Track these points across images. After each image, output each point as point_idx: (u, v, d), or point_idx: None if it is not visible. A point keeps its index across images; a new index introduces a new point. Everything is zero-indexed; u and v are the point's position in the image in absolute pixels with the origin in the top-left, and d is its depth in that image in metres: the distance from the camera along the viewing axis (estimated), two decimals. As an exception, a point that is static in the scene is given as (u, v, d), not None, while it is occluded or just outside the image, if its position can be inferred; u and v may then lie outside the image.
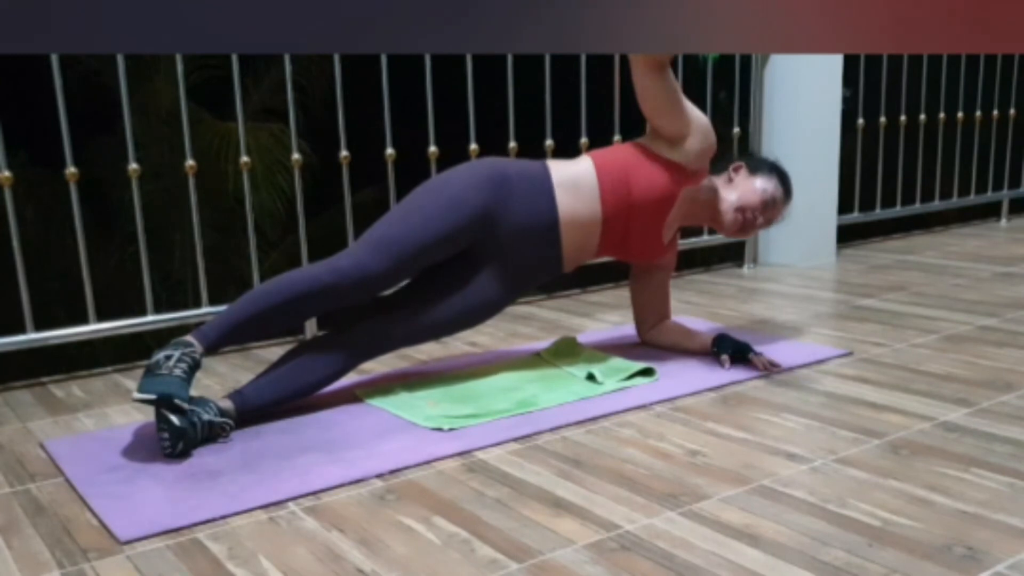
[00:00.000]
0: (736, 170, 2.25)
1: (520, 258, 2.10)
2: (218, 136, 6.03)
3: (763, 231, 3.46)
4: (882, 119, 4.00)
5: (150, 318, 2.44)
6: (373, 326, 2.00)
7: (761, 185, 2.23)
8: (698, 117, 2.15)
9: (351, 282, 1.90)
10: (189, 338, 1.80)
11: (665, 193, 2.14)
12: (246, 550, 1.36)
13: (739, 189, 2.23)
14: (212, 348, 1.83)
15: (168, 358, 1.73)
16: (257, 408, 1.88)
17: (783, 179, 2.29)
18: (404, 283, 2.12)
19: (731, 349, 2.21)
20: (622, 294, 3.08)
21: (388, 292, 2.09)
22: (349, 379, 2.19)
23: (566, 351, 2.30)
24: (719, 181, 2.26)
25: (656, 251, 2.25)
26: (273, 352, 2.46)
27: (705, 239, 3.45)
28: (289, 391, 1.92)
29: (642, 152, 2.16)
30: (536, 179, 2.10)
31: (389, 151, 2.72)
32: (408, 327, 2.03)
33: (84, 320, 2.35)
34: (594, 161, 2.15)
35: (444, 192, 2.02)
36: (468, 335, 2.62)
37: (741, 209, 2.21)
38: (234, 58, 2.47)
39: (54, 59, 2.22)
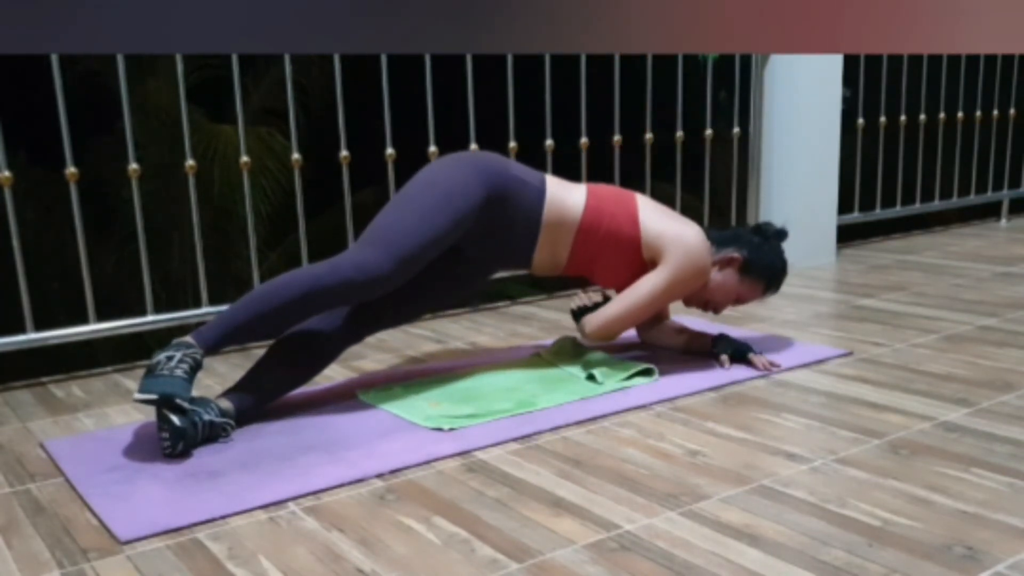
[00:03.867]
0: (729, 262, 2.19)
1: (494, 255, 2.15)
2: (207, 137, 6.02)
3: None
4: (882, 119, 4.00)
5: (150, 318, 2.44)
6: (356, 312, 2.04)
7: (739, 292, 2.22)
8: (688, 267, 2.10)
9: (354, 284, 1.87)
10: (189, 339, 1.80)
11: (628, 281, 2.17)
12: (246, 550, 1.36)
13: (718, 282, 2.20)
14: (212, 349, 1.83)
15: (170, 359, 1.73)
16: (256, 405, 1.88)
17: (772, 282, 2.25)
18: None
19: (731, 349, 2.21)
20: (622, 294, 3.07)
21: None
22: (349, 379, 2.19)
23: (566, 351, 2.30)
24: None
25: (619, 286, 2.25)
26: (273, 352, 2.46)
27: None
28: (287, 384, 1.94)
29: (630, 242, 2.13)
30: (531, 200, 2.09)
31: (389, 151, 2.72)
32: (390, 312, 2.08)
33: (84, 320, 2.35)
34: (586, 207, 2.12)
35: (443, 188, 1.99)
36: (468, 335, 2.62)
37: (708, 302, 2.23)
38: (234, 58, 2.47)
39: (54, 59, 2.22)
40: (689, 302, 2.27)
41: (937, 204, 4.33)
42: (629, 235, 2.12)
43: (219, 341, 1.83)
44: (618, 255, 2.14)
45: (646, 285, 2.11)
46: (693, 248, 2.10)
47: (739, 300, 2.24)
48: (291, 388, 1.97)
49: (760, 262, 2.21)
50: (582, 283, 2.39)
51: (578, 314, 2.26)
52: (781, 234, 2.29)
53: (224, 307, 1.94)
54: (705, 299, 2.23)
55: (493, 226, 2.06)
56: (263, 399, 1.91)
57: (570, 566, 1.29)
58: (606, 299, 2.25)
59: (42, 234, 5.63)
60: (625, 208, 2.14)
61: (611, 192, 2.17)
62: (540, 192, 2.10)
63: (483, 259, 2.15)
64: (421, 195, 1.99)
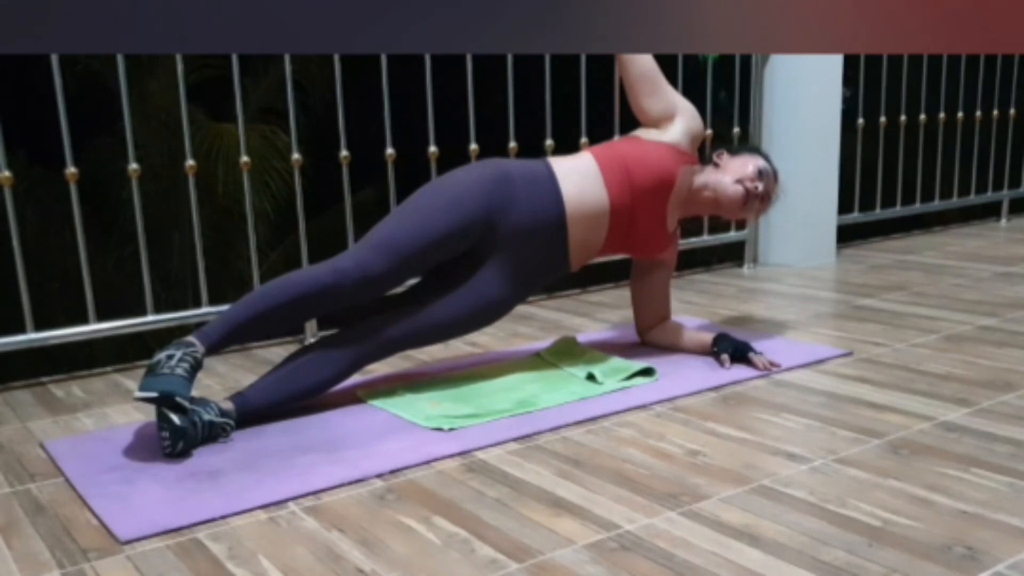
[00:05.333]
0: (719, 156, 2.33)
1: (526, 258, 2.10)
2: (210, 136, 6.02)
3: (763, 225, 3.49)
4: (882, 119, 4.00)
5: (150, 318, 2.44)
6: (377, 328, 2.00)
7: (745, 162, 2.29)
8: (681, 99, 2.27)
9: (353, 283, 1.90)
10: (190, 338, 1.80)
11: (664, 173, 2.18)
12: (246, 550, 1.36)
13: (729, 168, 2.28)
14: (213, 348, 1.83)
15: (170, 357, 1.73)
16: (259, 410, 1.88)
17: (759, 150, 2.37)
18: (409, 284, 2.13)
19: (731, 349, 2.21)
20: (622, 294, 3.08)
21: (393, 293, 2.09)
22: (350, 379, 2.19)
23: (566, 351, 2.30)
24: (708, 170, 2.31)
25: (661, 240, 2.25)
26: (274, 352, 2.46)
27: (705, 239, 3.45)
28: (291, 393, 1.92)
29: (636, 141, 2.23)
30: (539, 176, 2.11)
31: (389, 151, 2.72)
32: (413, 329, 2.02)
33: (84, 320, 2.35)
34: (593, 153, 2.20)
35: (446, 193, 2.03)
36: (468, 335, 2.61)
37: (740, 181, 2.25)
38: (234, 58, 2.47)
39: (54, 59, 2.22)
40: (727, 196, 2.25)
41: (937, 204, 4.33)
42: (636, 139, 2.23)
43: (220, 340, 1.84)
44: (645, 158, 2.17)
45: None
46: None
47: (758, 169, 2.26)
48: (301, 400, 1.95)
49: (740, 146, 2.40)
50: (584, 282, 2.38)
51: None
52: None
53: (224, 307, 1.94)
54: (735, 179, 2.24)
55: (515, 232, 2.06)
56: (267, 406, 1.90)
57: (570, 566, 1.29)
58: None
59: (42, 234, 5.63)
60: (622, 139, 2.26)
61: (610, 143, 2.30)
62: (547, 167, 2.15)
63: (518, 275, 2.10)
64: (426, 201, 2.03)
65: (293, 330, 2.58)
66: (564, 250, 2.14)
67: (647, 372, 2.14)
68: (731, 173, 2.26)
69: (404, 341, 2.03)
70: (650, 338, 2.40)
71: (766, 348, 2.30)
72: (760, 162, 2.30)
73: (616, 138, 3.14)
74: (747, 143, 2.44)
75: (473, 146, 2.85)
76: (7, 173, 2.18)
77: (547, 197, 2.09)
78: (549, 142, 3.02)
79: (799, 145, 3.42)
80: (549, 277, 2.20)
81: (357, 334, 1.98)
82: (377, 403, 1.99)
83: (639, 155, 2.17)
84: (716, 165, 2.30)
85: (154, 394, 1.67)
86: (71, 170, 2.28)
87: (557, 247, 2.12)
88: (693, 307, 2.89)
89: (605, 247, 2.23)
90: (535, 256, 2.11)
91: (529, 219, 2.07)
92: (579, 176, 2.14)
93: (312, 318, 2.41)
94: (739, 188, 2.24)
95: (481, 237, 2.04)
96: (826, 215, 3.57)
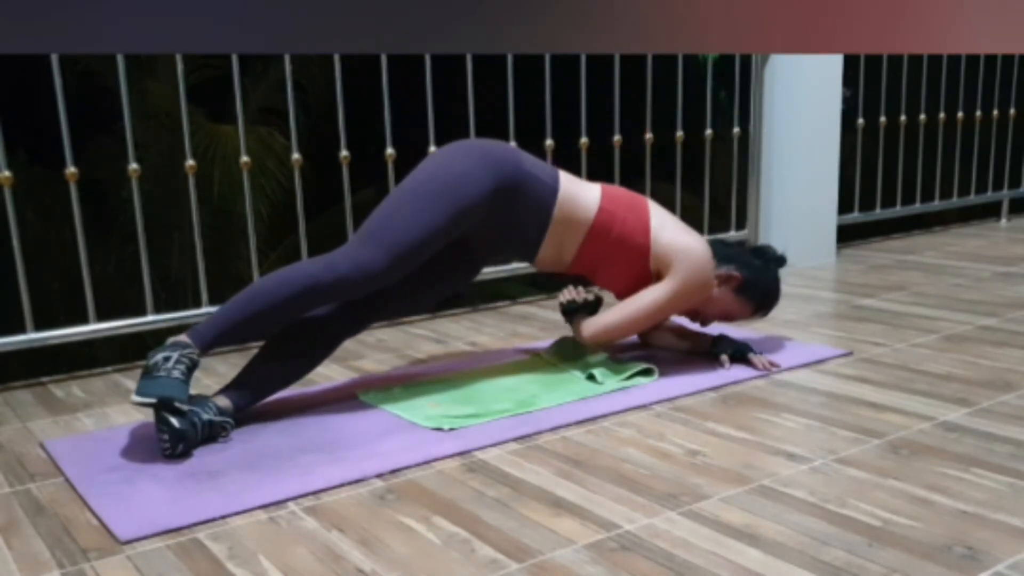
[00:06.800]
0: (727, 280, 2.18)
1: (499, 250, 2.14)
2: (208, 137, 6.01)
3: (763, 225, 3.50)
4: (882, 119, 4.00)
5: (150, 318, 2.44)
6: (351, 304, 2.01)
7: (731, 309, 2.21)
8: (695, 285, 2.08)
9: (351, 285, 1.87)
10: (185, 338, 1.79)
11: (631, 288, 2.16)
12: (246, 550, 1.36)
13: (714, 297, 2.18)
14: (208, 348, 1.81)
15: (166, 359, 1.73)
16: (254, 400, 1.88)
17: (763, 306, 2.25)
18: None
19: (731, 349, 2.21)
20: (622, 294, 3.08)
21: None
22: (349, 379, 2.19)
23: (566, 351, 2.30)
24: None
25: (621, 294, 2.24)
26: (273, 352, 2.46)
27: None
28: (284, 378, 1.93)
29: (639, 250, 2.11)
30: (543, 196, 2.04)
31: (389, 151, 2.73)
32: (390, 304, 2.05)
33: (84, 320, 2.35)
34: (600, 209, 2.08)
35: (446, 181, 1.94)
36: (468, 335, 2.62)
37: (698, 313, 2.23)
38: (234, 58, 2.47)
39: (54, 59, 2.22)
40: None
41: (937, 204, 4.33)
42: (639, 243, 2.09)
43: (214, 340, 1.82)
44: (625, 262, 2.11)
45: (649, 296, 2.08)
46: (700, 263, 2.08)
47: (728, 317, 2.24)
48: (289, 382, 1.97)
49: (757, 285, 2.21)
50: (583, 282, 2.38)
51: (568, 309, 2.25)
52: (780, 260, 2.29)
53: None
54: (696, 309, 2.23)
55: (501, 219, 2.02)
56: (261, 394, 1.91)
57: (570, 566, 1.29)
58: (598, 299, 2.25)
59: (42, 234, 5.62)
60: (637, 215, 2.11)
61: (624, 196, 2.14)
62: (553, 189, 2.05)
63: (487, 252, 2.13)
64: (423, 188, 1.94)
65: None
66: (533, 254, 2.13)
67: (647, 372, 2.14)
68: (706, 303, 2.18)
69: (381, 315, 2.07)
70: (649, 338, 2.40)
71: (766, 348, 2.30)
72: (738, 316, 2.22)
73: (618, 140, 3.14)
74: (770, 278, 2.25)
75: (476, 142, 2.85)
76: (7, 173, 2.19)
77: (537, 219, 2.05)
78: (549, 142, 3.02)
79: (799, 145, 3.42)
80: (514, 259, 2.30)
81: (333, 311, 2.00)
82: (377, 403, 1.99)
83: (623, 266, 2.12)
84: (718, 283, 2.17)
85: (152, 399, 1.67)
86: (71, 170, 2.28)
87: (528, 249, 2.12)
88: (693, 307, 2.88)
89: (571, 271, 2.22)
90: (507, 249, 2.15)
91: (515, 222, 2.05)
92: (568, 221, 2.07)
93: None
94: (690, 316, 2.25)
95: (470, 225, 2.02)
96: (826, 215, 3.57)
